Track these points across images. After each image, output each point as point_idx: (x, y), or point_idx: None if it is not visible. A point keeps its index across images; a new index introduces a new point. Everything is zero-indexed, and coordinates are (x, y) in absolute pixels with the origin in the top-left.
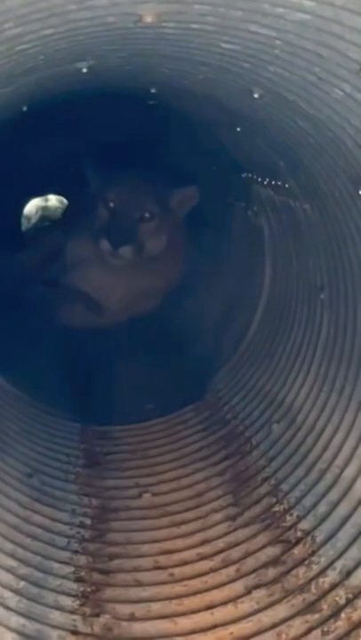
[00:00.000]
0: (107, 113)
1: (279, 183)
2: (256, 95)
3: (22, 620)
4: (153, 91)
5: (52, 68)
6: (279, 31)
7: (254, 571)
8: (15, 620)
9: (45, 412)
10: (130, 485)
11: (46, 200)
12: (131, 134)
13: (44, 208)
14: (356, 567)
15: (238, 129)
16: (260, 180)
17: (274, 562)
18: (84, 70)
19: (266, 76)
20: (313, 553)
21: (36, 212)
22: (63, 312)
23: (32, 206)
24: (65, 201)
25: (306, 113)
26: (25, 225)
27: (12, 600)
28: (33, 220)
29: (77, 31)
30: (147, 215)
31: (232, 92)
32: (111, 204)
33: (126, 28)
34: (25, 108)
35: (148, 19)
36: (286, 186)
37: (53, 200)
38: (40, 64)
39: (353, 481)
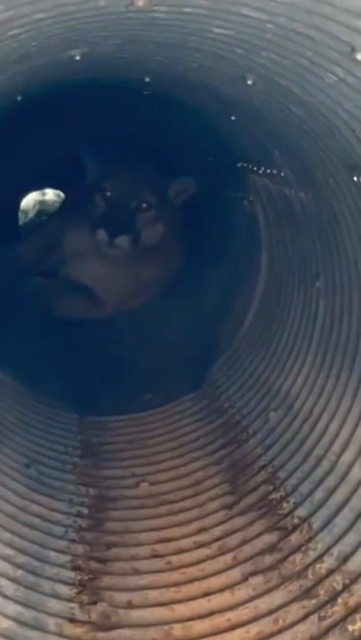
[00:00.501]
0: (101, 104)
1: (274, 172)
2: (250, 82)
3: (19, 608)
4: (147, 80)
5: (45, 56)
6: (270, 14)
7: (251, 558)
8: (12, 608)
9: (43, 403)
10: (127, 475)
11: (43, 194)
12: (126, 125)
13: (42, 202)
14: (353, 552)
15: (233, 117)
16: (255, 168)
17: (271, 549)
18: (77, 58)
19: (259, 61)
20: (310, 539)
21: (34, 206)
22: (61, 304)
23: (29, 200)
24: (62, 195)
25: (300, 99)
26: (22, 219)
27: (9, 588)
28: (30, 215)
29: (69, 16)
30: (144, 205)
31: (226, 79)
32: (108, 194)
33: (118, 13)
34: (19, 98)
35: (140, 2)
36: (282, 174)
37: (50, 194)
38: (33, 51)
39: (350, 467)
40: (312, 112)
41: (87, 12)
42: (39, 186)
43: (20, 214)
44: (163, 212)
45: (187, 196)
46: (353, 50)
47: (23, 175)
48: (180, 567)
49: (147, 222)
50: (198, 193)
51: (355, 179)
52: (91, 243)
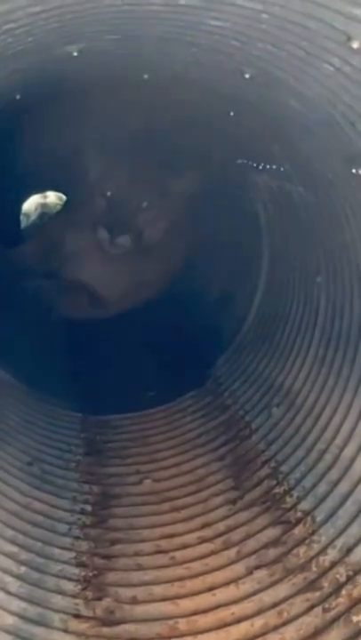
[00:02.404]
0: (101, 102)
1: (274, 167)
2: (247, 75)
3: (23, 604)
4: (146, 77)
5: (42, 52)
6: (265, 4)
7: (255, 552)
8: (16, 605)
9: (46, 402)
10: (131, 472)
11: (45, 197)
12: (125, 123)
13: (44, 205)
14: (356, 544)
15: (232, 113)
16: (255, 165)
17: (274, 542)
18: (75, 54)
19: (255, 54)
20: (313, 532)
21: (36, 209)
22: (63, 304)
23: (31, 203)
24: (64, 197)
25: (297, 91)
26: (24, 222)
27: (14, 585)
28: (32, 217)
29: (65, 9)
30: (144, 204)
31: (223, 73)
32: (108, 193)
33: (114, 6)
34: (18, 97)
35: None
36: (281, 169)
37: (52, 197)
38: (30, 46)
39: (352, 460)
40: (310, 104)
41: (83, 6)
42: (41, 188)
43: (22, 217)
44: (164, 211)
45: (189, 192)
46: (349, 38)
47: (24, 177)
48: (184, 562)
49: (148, 221)
50: (199, 192)
51: (354, 171)
52: (92, 242)
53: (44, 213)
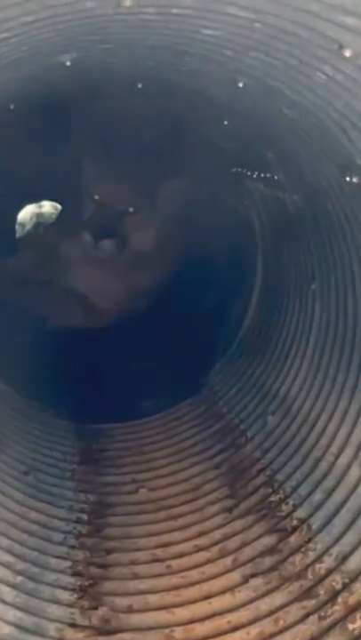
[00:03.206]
0: (94, 112)
1: (268, 175)
2: (240, 84)
3: (19, 614)
4: (139, 86)
5: (36, 62)
6: (258, 13)
7: (251, 560)
8: (12, 614)
9: (41, 411)
10: (126, 481)
11: (40, 206)
12: (119, 132)
13: (39, 214)
14: (352, 552)
15: (225, 122)
16: (249, 173)
17: (270, 550)
18: (68, 64)
19: (248, 62)
20: (309, 540)
21: (31, 219)
22: (58, 313)
23: (26, 213)
24: (59, 207)
25: (290, 100)
26: (19, 232)
27: (9, 595)
28: (27, 227)
29: (57, 18)
30: (130, 209)
31: (217, 82)
32: (96, 197)
33: (106, 15)
34: (12, 107)
35: (127, 2)
36: (275, 178)
37: (47, 206)
38: (24, 56)
39: (348, 467)
40: (303, 113)
41: (75, 15)
42: (36, 198)
43: (17, 227)
44: (153, 217)
45: (179, 200)
46: (341, 47)
47: (19, 187)
48: (180, 571)
49: (134, 227)
50: (193, 200)
51: (348, 179)
52: (84, 250)
53: (40, 223)
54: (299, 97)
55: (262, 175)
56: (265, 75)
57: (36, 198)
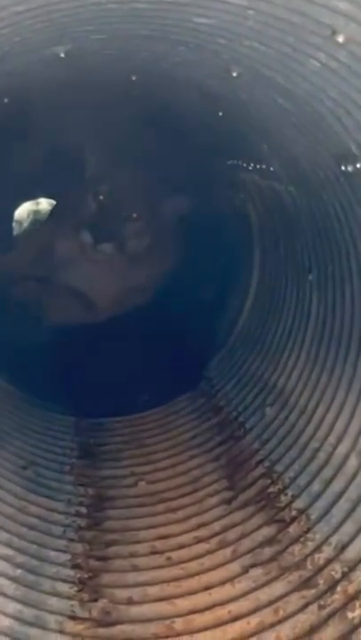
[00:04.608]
0: (90, 105)
1: (264, 167)
2: (235, 74)
3: (19, 607)
4: (134, 78)
5: (30, 53)
6: None
7: (250, 551)
8: (12, 607)
9: (40, 407)
10: (125, 474)
11: (37, 203)
12: (114, 125)
13: (36, 212)
14: (350, 541)
15: (221, 113)
16: (245, 165)
17: (270, 541)
18: (62, 55)
19: (242, 51)
20: (308, 530)
21: (28, 216)
22: (55, 308)
23: (23, 210)
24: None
25: (284, 89)
26: (17, 229)
27: (9, 587)
28: (25, 225)
29: (49, 7)
30: (134, 215)
31: (211, 72)
32: (101, 197)
33: (99, 4)
34: (6, 100)
35: None
36: (271, 169)
37: (44, 203)
38: (17, 47)
39: (346, 457)
40: (297, 102)
41: (68, 4)
42: (33, 195)
43: (14, 224)
44: (152, 225)
45: (179, 214)
46: (334, 32)
47: (16, 184)
48: (180, 563)
49: (134, 232)
50: (190, 194)
51: (343, 168)
52: (82, 249)
53: (37, 220)
54: (293, 86)
55: (258, 167)
56: (259, 63)
57: (32, 195)
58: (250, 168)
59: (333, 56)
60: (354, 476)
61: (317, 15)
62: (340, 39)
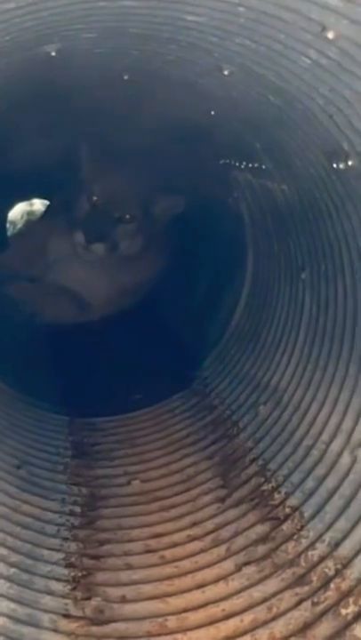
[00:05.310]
0: (82, 105)
1: (256, 165)
2: (226, 72)
3: (13, 605)
4: (126, 77)
5: (20, 52)
6: None
7: (244, 548)
8: (5, 606)
9: (33, 406)
10: (119, 473)
11: (31, 204)
12: (107, 125)
13: (30, 212)
14: (344, 538)
15: (213, 112)
16: (237, 164)
17: (263, 539)
18: (53, 54)
19: (233, 49)
20: (302, 528)
21: (22, 217)
22: (48, 308)
23: (17, 211)
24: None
25: (276, 86)
26: (10, 230)
27: (3, 586)
28: (19, 225)
29: (40, 5)
30: (127, 216)
31: (203, 71)
32: (94, 198)
33: (89, 2)
34: None
35: None
36: (263, 167)
37: (38, 204)
38: (8, 45)
39: (339, 455)
40: (289, 99)
41: (57, 2)
42: (27, 196)
43: (7, 225)
44: (145, 226)
45: (173, 214)
46: (324, 28)
47: (9, 185)
48: (173, 561)
49: (126, 233)
50: (183, 194)
51: (334, 165)
52: (74, 248)
53: (30, 221)
54: (284, 83)
55: (250, 165)
56: (250, 61)
57: (26, 196)
58: (242, 167)
59: (324, 53)
60: (347, 473)
61: (307, 12)
62: (331, 35)
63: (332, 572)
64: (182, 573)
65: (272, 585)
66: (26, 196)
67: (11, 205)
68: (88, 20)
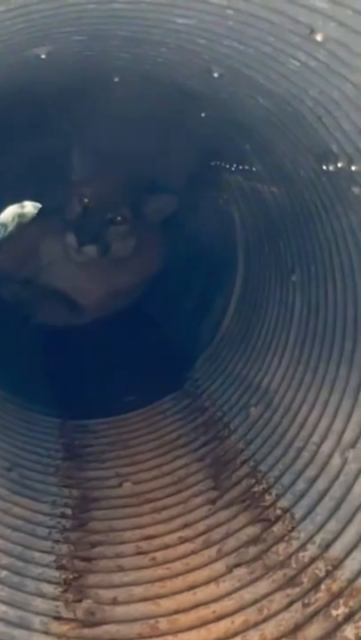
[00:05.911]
0: (73, 107)
1: (246, 167)
2: (216, 74)
3: (4, 607)
4: (116, 79)
5: (11, 55)
6: None
7: (235, 550)
8: None
9: (24, 408)
10: (110, 475)
11: (22, 207)
12: (98, 127)
13: (21, 215)
14: (334, 539)
15: (203, 114)
16: (228, 166)
17: (254, 540)
18: (43, 56)
19: (222, 51)
20: (292, 529)
21: (13, 220)
22: (40, 310)
23: (8, 213)
24: (40, 207)
25: (265, 89)
26: (1, 232)
27: None
28: (10, 228)
29: (30, 8)
30: (118, 218)
31: (193, 73)
32: (86, 200)
33: (79, 4)
34: None
35: None
36: (253, 169)
37: (29, 206)
38: None
39: (330, 456)
40: (278, 102)
41: (47, 4)
42: (18, 198)
43: None
44: (137, 228)
45: (166, 213)
46: (312, 31)
47: (0, 187)
48: (164, 563)
49: (118, 235)
50: (174, 194)
51: (324, 167)
52: (66, 250)
53: (22, 223)
54: (273, 86)
55: (241, 167)
56: (239, 63)
57: (17, 198)
58: (233, 169)
59: (312, 55)
60: (338, 475)
61: (295, 14)
62: (319, 38)
63: (322, 574)
64: (173, 575)
65: (263, 586)
66: (17, 199)
67: (2, 208)
68: (78, 23)
